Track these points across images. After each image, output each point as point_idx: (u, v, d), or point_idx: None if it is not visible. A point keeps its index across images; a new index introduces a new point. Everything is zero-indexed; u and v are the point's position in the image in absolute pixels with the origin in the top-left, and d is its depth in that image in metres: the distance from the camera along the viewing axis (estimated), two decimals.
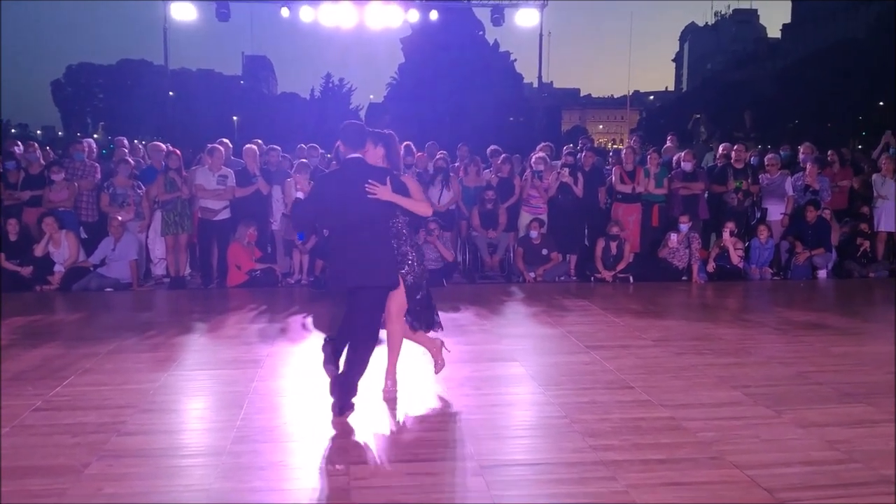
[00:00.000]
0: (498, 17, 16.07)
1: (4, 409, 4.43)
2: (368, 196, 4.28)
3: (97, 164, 9.84)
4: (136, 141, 12.53)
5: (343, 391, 4.33)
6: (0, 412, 4.30)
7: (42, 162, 9.68)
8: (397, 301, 4.64)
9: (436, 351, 5.02)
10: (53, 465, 3.61)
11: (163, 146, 10.27)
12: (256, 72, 79.07)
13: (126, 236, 8.97)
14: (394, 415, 4.44)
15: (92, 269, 8.98)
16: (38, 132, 69.79)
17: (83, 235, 9.33)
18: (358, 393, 4.39)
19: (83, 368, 5.33)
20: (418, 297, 4.75)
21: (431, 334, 4.97)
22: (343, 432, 4.12)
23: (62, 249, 8.89)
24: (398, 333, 4.76)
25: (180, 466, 3.66)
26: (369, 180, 4.30)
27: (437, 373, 4.98)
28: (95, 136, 44.98)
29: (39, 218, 8.95)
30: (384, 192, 4.32)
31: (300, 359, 5.77)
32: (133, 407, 4.46)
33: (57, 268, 8.85)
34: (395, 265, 4.54)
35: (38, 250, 8.80)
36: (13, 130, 63.06)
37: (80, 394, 4.75)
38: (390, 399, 4.68)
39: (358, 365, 4.39)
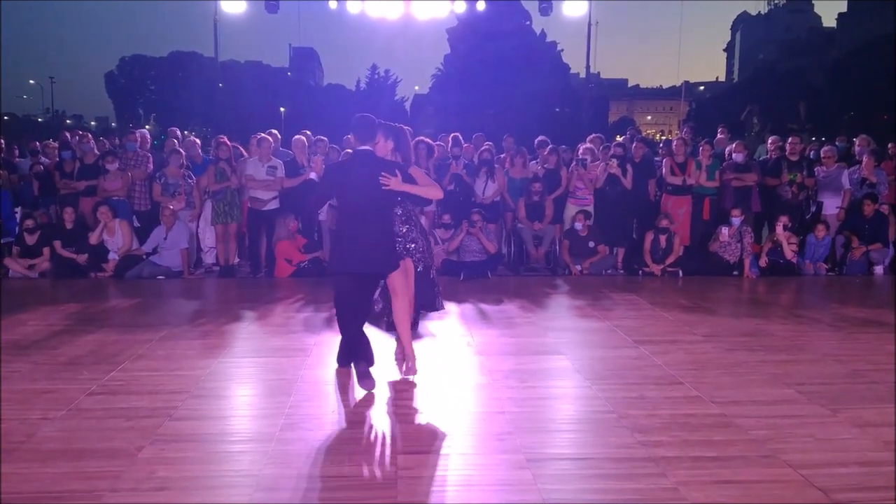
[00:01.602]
0: (546, 7, 15.90)
1: (61, 392, 4.56)
2: (382, 187, 4.50)
3: (149, 155, 10.04)
4: (185, 132, 12.75)
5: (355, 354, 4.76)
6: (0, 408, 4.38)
7: (96, 152, 9.92)
8: (399, 280, 4.79)
9: (411, 354, 4.96)
10: (108, 448, 3.70)
11: (197, 140, 10.48)
12: (303, 64, 79.66)
13: (177, 225, 9.14)
14: (440, 407, 4.43)
15: (144, 257, 9.18)
16: (92, 123, 71.65)
17: (136, 224, 9.54)
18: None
19: (136, 354, 5.45)
20: (431, 277, 5.05)
21: (432, 315, 5.37)
22: (391, 422, 4.14)
23: (116, 238, 9.10)
24: (403, 310, 4.88)
25: (231, 452, 3.71)
26: (383, 172, 4.52)
27: (405, 375, 4.92)
28: (147, 126, 45.90)
29: (94, 207, 9.17)
30: (396, 183, 4.52)
31: None
32: (185, 392, 4.55)
33: (111, 255, 9.08)
34: (394, 252, 4.75)
35: (93, 238, 9.03)
36: (68, 121, 64.81)
37: (133, 379, 4.86)
38: (409, 379, 4.87)
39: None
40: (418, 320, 5.27)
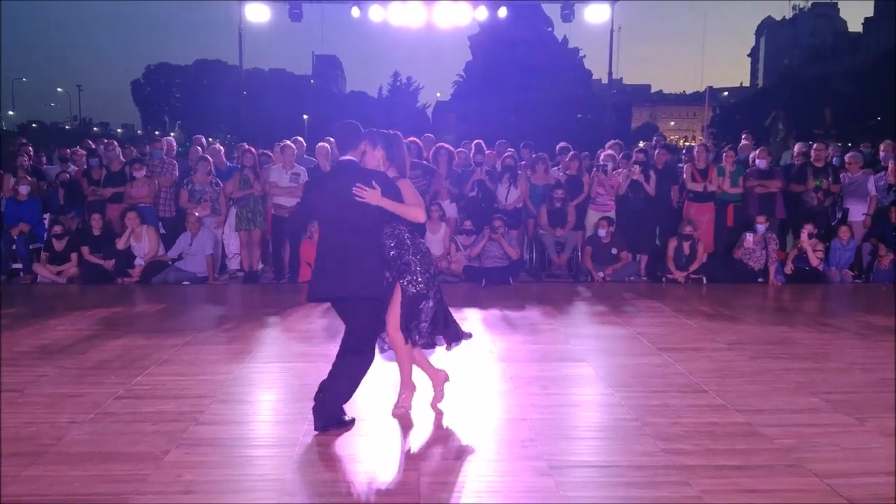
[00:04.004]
0: (568, 14, 15.85)
1: (88, 395, 4.63)
2: (356, 200, 3.97)
3: (175, 162, 10.16)
4: (209, 140, 12.90)
5: (322, 410, 4.04)
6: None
7: (122, 159, 10.07)
8: (393, 311, 4.23)
9: (437, 383, 4.55)
10: (135, 452, 3.75)
11: (221, 148, 10.63)
12: (326, 71, 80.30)
13: (202, 232, 9.24)
14: (462, 413, 4.44)
15: (170, 262, 9.29)
16: (119, 130, 72.53)
17: (161, 231, 9.66)
18: (344, 416, 4.13)
19: (162, 359, 5.52)
20: (421, 306, 4.28)
21: (448, 348, 4.48)
22: (413, 429, 4.15)
23: (143, 243, 9.23)
24: (395, 342, 4.32)
25: (255, 456, 3.75)
26: (357, 184, 3.98)
27: (433, 405, 4.50)
28: (172, 134, 46.44)
29: (122, 213, 9.31)
30: (372, 196, 3.98)
31: None
32: (209, 397, 4.59)
33: (137, 261, 9.20)
34: (381, 275, 4.13)
35: (120, 244, 9.16)
36: (95, 129, 65.72)
37: (159, 383, 4.92)
38: (400, 415, 4.35)
39: (343, 379, 4.06)
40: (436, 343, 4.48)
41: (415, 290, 4.22)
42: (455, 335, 4.47)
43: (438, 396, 4.54)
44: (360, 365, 4.11)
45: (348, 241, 4.05)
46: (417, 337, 4.33)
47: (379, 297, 4.13)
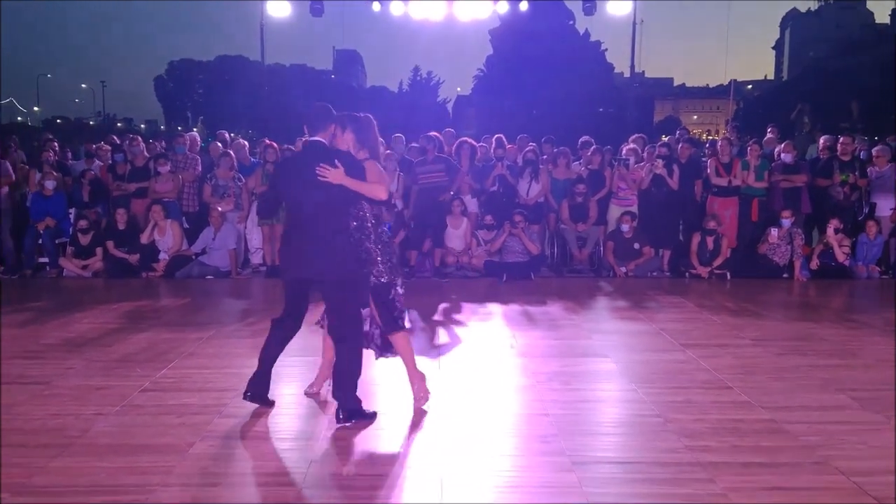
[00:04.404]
0: (590, 7, 15.77)
1: (114, 388, 4.68)
2: (320, 180, 3.95)
3: (198, 157, 10.24)
4: (232, 135, 12.99)
5: (339, 403, 4.07)
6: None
7: (146, 154, 10.17)
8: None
9: (419, 383, 4.44)
10: (161, 444, 3.79)
11: (245, 143, 10.70)
12: (346, 66, 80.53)
13: (225, 226, 9.31)
14: (483, 408, 4.44)
15: (194, 257, 9.37)
16: (142, 126, 73.31)
17: (185, 225, 9.74)
18: (362, 408, 4.13)
19: (187, 352, 5.57)
20: (391, 295, 4.27)
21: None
22: (434, 423, 4.16)
23: (166, 237, 9.31)
24: (393, 339, 4.34)
25: (278, 449, 3.78)
26: (321, 164, 3.97)
27: (418, 406, 4.39)
28: (195, 129, 46.83)
29: (147, 207, 9.40)
30: (335, 175, 3.96)
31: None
32: (233, 390, 4.62)
33: (161, 255, 9.29)
34: (352, 256, 4.13)
35: (144, 237, 9.25)
36: (119, 124, 66.43)
37: (184, 376, 4.97)
38: (420, 407, 4.36)
39: (343, 370, 4.09)
40: (383, 348, 4.46)
41: (381, 280, 4.22)
42: (387, 346, 4.42)
43: (421, 399, 4.42)
44: (351, 352, 4.13)
45: (315, 222, 4.08)
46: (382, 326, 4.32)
47: (349, 278, 4.12)
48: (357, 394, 4.13)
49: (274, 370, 5.06)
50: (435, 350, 5.80)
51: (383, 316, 4.27)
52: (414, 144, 10.17)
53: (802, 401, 4.52)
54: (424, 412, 4.31)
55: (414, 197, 9.24)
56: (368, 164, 4.20)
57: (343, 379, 4.10)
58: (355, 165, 4.09)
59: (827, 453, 3.68)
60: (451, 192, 9.15)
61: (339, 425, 4.03)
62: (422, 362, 5.14)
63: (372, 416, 4.16)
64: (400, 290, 4.33)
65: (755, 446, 3.78)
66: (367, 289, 4.22)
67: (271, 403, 4.35)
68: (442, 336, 6.30)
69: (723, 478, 3.39)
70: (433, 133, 9.35)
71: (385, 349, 4.45)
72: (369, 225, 4.22)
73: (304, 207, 4.11)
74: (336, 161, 4.00)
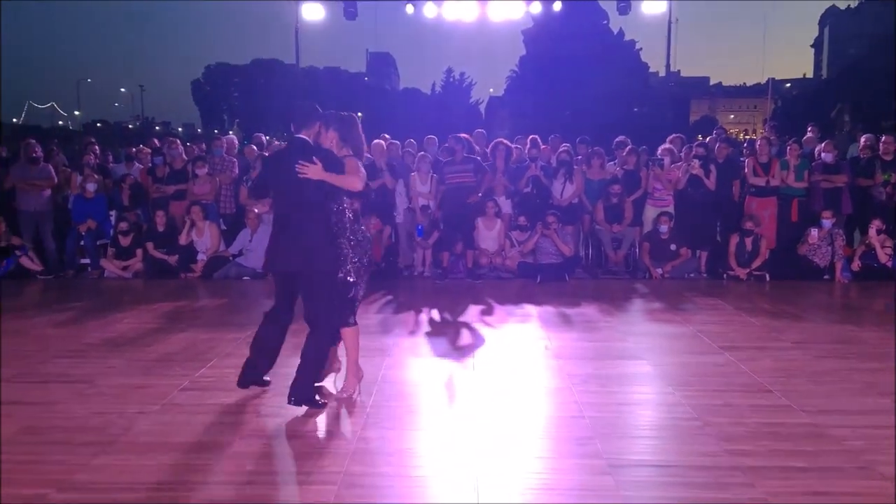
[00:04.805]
0: (624, 6, 15.65)
1: (155, 387, 4.76)
2: (299, 176, 4.13)
3: (235, 160, 10.37)
4: (267, 137, 13.11)
5: (296, 386, 4.28)
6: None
7: (184, 157, 10.32)
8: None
9: (352, 379, 4.60)
10: (200, 442, 3.84)
11: (282, 145, 10.75)
12: (380, 68, 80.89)
13: (262, 228, 9.39)
14: (519, 410, 4.43)
15: (231, 258, 9.49)
16: (180, 129, 74.43)
17: (222, 227, 9.87)
18: (317, 394, 4.38)
19: (225, 352, 5.64)
20: (352, 294, 4.43)
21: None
22: (470, 424, 4.16)
23: (204, 239, 9.44)
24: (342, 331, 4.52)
25: (314, 448, 3.80)
26: (300, 160, 4.14)
27: (340, 395, 4.55)
28: (231, 132, 47.39)
29: (186, 209, 9.54)
30: (314, 171, 4.13)
31: (426, 348, 5.89)
32: (270, 390, 4.67)
33: (200, 256, 9.42)
34: (332, 250, 4.28)
35: (182, 238, 9.39)
36: (157, 128, 67.53)
37: (222, 376, 5.03)
38: (343, 400, 4.48)
39: (312, 361, 4.33)
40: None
41: (348, 279, 4.36)
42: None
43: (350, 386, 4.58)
44: (321, 342, 4.36)
45: (296, 216, 4.26)
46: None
47: (327, 271, 4.28)
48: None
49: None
50: (468, 351, 5.80)
51: (339, 310, 4.41)
52: (445, 145, 10.19)
53: (844, 405, 4.43)
54: (461, 413, 4.31)
55: (441, 197, 9.24)
56: (349, 160, 4.36)
57: (308, 365, 4.33)
58: (335, 162, 4.25)
59: (870, 458, 3.60)
60: (479, 193, 9.13)
61: (288, 403, 4.26)
62: (455, 363, 5.18)
63: (322, 406, 4.35)
64: (360, 292, 4.54)
65: (796, 450, 3.72)
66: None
67: (265, 383, 4.68)
68: (476, 337, 6.31)
69: (763, 482, 3.34)
70: (462, 135, 9.35)
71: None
72: (347, 221, 4.39)
73: (286, 202, 4.33)
74: (314, 158, 4.16)
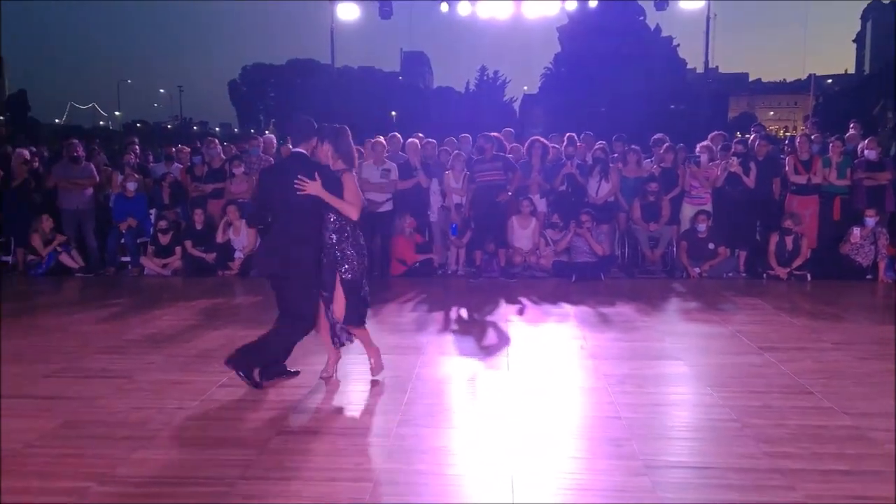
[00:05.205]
0: (662, 2, 15.46)
1: (193, 383, 4.84)
2: (298, 194, 4.39)
3: (271, 159, 10.47)
4: None
5: (245, 356, 4.56)
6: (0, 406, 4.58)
7: (222, 156, 10.46)
8: (338, 303, 4.67)
9: (376, 355, 4.96)
10: (239, 438, 3.90)
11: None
12: (413, 67, 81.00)
13: None
14: (554, 410, 4.41)
15: None
16: (217, 129, 75.43)
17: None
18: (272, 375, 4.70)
19: None
20: (362, 293, 4.74)
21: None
22: (505, 423, 4.15)
23: (241, 237, 9.56)
24: (354, 331, 4.83)
25: (351, 445, 3.83)
26: (299, 175, 4.39)
27: (374, 376, 4.91)
28: (267, 131, 47.95)
29: (223, 208, 9.67)
30: (313, 188, 4.40)
31: (460, 347, 5.89)
32: (306, 387, 4.72)
33: (237, 254, 9.55)
34: (311, 259, 4.55)
35: (219, 236, 9.53)
36: (195, 128, 68.56)
37: None
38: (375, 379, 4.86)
39: (272, 342, 4.64)
40: (340, 335, 4.80)
41: (350, 277, 4.61)
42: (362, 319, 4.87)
43: (377, 366, 4.92)
44: (292, 330, 4.67)
45: (292, 226, 4.53)
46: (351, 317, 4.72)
47: (303, 278, 4.56)
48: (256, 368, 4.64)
49: (344, 367, 5.17)
50: (502, 349, 5.79)
51: (351, 309, 4.69)
52: (476, 144, 10.18)
53: (886, 407, 4.33)
54: (495, 412, 4.31)
55: (471, 195, 9.22)
56: (345, 177, 4.58)
57: (262, 350, 4.62)
58: (333, 180, 4.50)
59: None
60: (509, 192, 9.07)
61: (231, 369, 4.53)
62: (489, 362, 5.16)
63: (257, 386, 4.57)
64: (367, 289, 4.80)
65: (837, 453, 3.65)
66: (322, 287, 4.65)
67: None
68: (509, 336, 6.29)
69: (803, 485, 3.28)
70: (493, 134, 9.32)
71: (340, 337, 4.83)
72: (348, 228, 4.63)
73: (284, 212, 4.57)
74: (315, 174, 4.43)
